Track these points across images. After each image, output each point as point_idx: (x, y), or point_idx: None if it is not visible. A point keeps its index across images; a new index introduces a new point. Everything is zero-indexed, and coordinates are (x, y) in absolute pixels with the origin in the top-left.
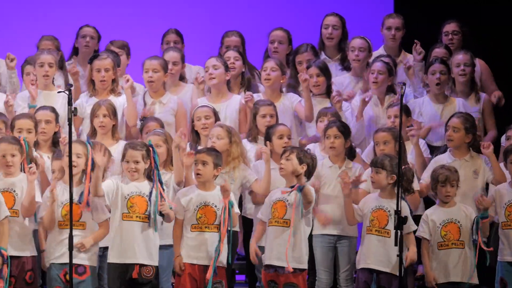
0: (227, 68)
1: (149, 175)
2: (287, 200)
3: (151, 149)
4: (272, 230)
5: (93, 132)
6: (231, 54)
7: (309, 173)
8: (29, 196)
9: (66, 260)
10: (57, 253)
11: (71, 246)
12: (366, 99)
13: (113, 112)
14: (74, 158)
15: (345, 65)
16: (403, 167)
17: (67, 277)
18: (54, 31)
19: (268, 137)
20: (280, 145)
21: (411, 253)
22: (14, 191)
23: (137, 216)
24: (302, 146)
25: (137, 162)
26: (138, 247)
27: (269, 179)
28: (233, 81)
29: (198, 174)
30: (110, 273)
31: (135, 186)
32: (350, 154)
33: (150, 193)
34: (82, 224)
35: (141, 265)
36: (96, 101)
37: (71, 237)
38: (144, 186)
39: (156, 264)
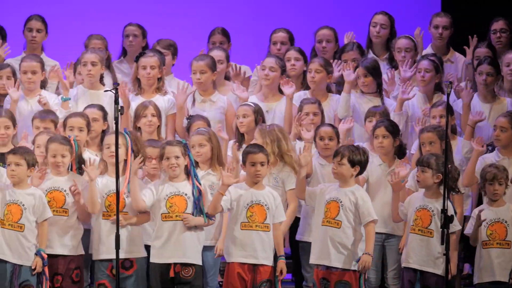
0: (283, 71)
1: (187, 174)
2: (341, 201)
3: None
4: (324, 230)
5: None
6: (292, 55)
7: (361, 171)
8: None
9: (112, 255)
10: (103, 248)
11: (118, 239)
12: (406, 96)
13: (159, 113)
14: (114, 149)
15: (393, 65)
16: (449, 166)
17: (114, 271)
18: (103, 31)
19: (313, 138)
20: (321, 147)
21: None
22: (64, 190)
23: (176, 216)
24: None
25: (177, 157)
26: (178, 247)
27: (301, 188)
28: (295, 81)
29: (258, 175)
30: (151, 273)
31: (173, 186)
32: (400, 152)
33: (192, 192)
34: (125, 214)
35: (181, 265)
36: (142, 100)
37: (117, 231)
38: (182, 185)
39: (197, 263)
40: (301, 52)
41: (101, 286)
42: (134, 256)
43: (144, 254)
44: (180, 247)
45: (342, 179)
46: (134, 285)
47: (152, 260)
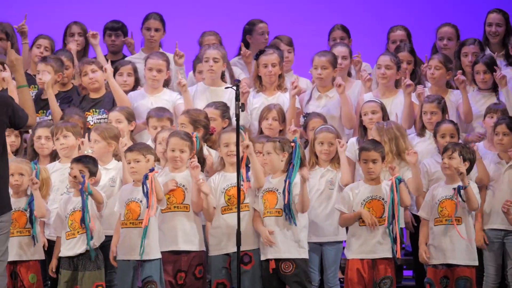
0: (399, 68)
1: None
2: (455, 198)
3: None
4: (441, 228)
5: (260, 133)
6: (404, 57)
7: (470, 169)
8: (195, 191)
9: (228, 250)
10: (219, 242)
11: (239, 235)
12: None
13: (282, 118)
14: (232, 147)
15: (510, 61)
16: None
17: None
18: (217, 28)
19: (434, 135)
20: (442, 144)
21: None
22: (183, 186)
23: (268, 212)
24: (467, 142)
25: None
26: (276, 242)
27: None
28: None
29: (370, 172)
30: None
31: (269, 182)
32: None
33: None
34: (246, 205)
35: (280, 260)
36: (263, 99)
37: (239, 227)
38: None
39: (299, 256)
40: (411, 51)
41: (220, 286)
42: (251, 248)
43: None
44: (278, 242)
45: (451, 174)
46: (251, 281)
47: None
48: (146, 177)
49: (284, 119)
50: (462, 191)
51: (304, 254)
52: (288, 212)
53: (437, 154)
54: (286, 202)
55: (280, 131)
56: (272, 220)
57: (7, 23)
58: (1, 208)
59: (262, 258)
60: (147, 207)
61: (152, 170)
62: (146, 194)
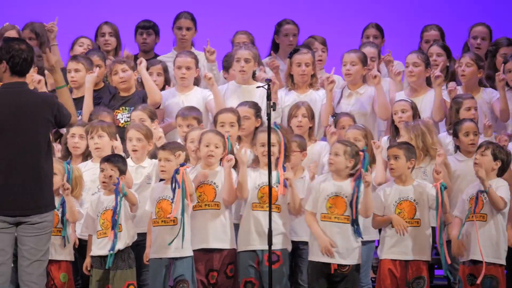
0: (427, 65)
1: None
2: (484, 196)
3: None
4: (471, 225)
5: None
6: (434, 50)
7: (503, 170)
8: (228, 185)
9: (256, 247)
10: (247, 238)
11: (270, 234)
12: None
13: (311, 114)
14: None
15: None
16: None
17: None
18: (250, 27)
19: (455, 133)
20: (466, 142)
21: None
22: (214, 183)
23: (335, 217)
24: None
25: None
26: (337, 248)
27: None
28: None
29: (391, 169)
30: (309, 270)
31: (335, 186)
32: None
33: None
34: (277, 207)
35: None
36: (295, 97)
37: (270, 226)
38: (344, 185)
39: (354, 262)
40: (444, 47)
41: (248, 284)
42: (279, 248)
43: (289, 246)
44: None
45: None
46: (279, 280)
47: (310, 258)
48: (176, 171)
49: (313, 116)
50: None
51: (359, 260)
52: (356, 226)
53: (458, 152)
54: (354, 217)
55: (310, 128)
56: (340, 226)
57: (39, 23)
58: (44, 207)
59: (313, 258)
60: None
61: (183, 165)
62: (173, 190)
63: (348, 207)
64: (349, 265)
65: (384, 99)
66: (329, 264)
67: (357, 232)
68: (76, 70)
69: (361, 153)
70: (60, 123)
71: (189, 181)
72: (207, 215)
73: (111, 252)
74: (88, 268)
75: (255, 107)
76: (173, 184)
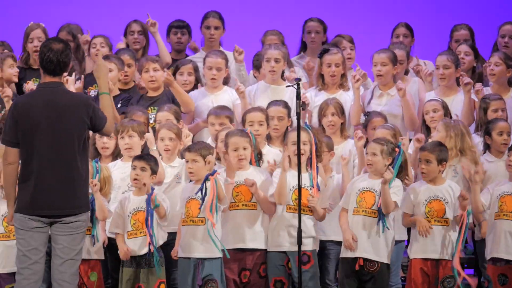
0: (458, 66)
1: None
2: None
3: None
4: (500, 224)
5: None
6: (462, 49)
7: None
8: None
9: (285, 248)
10: (277, 239)
11: (300, 234)
12: None
13: (341, 110)
14: (301, 146)
15: None
16: None
17: (290, 264)
18: (278, 26)
19: (487, 132)
20: (499, 141)
21: None
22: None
23: (363, 211)
24: None
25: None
26: (362, 242)
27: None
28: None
29: (422, 173)
30: (339, 268)
31: (368, 182)
32: None
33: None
34: (310, 210)
35: (366, 259)
36: (325, 97)
37: (299, 226)
38: (377, 181)
39: (383, 261)
40: (472, 46)
41: (278, 283)
42: (309, 249)
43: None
44: (366, 242)
45: None
46: (310, 281)
47: (342, 255)
48: (207, 178)
49: (343, 112)
50: None
51: (389, 259)
52: (381, 217)
53: (488, 153)
54: (379, 206)
55: (342, 123)
56: (368, 219)
57: (75, 25)
58: (78, 208)
59: (344, 255)
60: (202, 207)
61: (214, 172)
62: (202, 198)
63: (377, 201)
64: (377, 263)
65: (410, 112)
66: (356, 259)
67: (383, 223)
68: (109, 70)
69: (397, 149)
70: (95, 126)
71: (220, 189)
72: (243, 215)
73: (151, 251)
74: (126, 251)
75: (287, 107)
76: (202, 192)
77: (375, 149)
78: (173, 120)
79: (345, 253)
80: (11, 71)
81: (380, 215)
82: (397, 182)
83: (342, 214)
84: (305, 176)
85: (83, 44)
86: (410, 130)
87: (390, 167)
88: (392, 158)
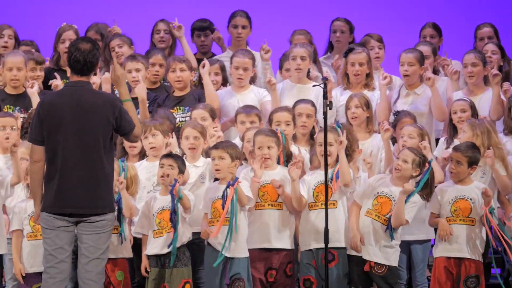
0: (485, 64)
1: None
2: None
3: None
4: None
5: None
6: (489, 48)
7: None
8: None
9: (316, 245)
10: (304, 238)
11: (327, 233)
12: None
13: (365, 104)
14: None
15: None
16: None
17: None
18: (307, 25)
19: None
20: None
21: None
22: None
23: (376, 215)
24: None
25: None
26: (371, 246)
27: None
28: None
29: (451, 172)
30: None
31: (389, 189)
32: None
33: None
34: (333, 203)
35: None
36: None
37: (326, 225)
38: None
39: (392, 264)
40: (499, 46)
41: (307, 282)
42: (335, 246)
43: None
44: (375, 246)
45: None
46: (336, 279)
47: (349, 253)
48: (228, 185)
49: (369, 106)
50: None
51: (396, 262)
52: (390, 226)
53: None
54: (390, 214)
55: (367, 117)
56: (377, 224)
57: (103, 24)
58: (101, 208)
59: (350, 252)
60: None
61: (235, 181)
62: (223, 204)
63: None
64: (385, 266)
65: (439, 101)
66: (365, 260)
67: (390, 234)
68: (137, 70)
69: (427, 164)
70: (121, 128)
71: (241, 196)
72: (269, 214)
73: (172, 250)
74: (147, 269)
75: (314, 105)
76: (223, 198)
77: (407, 157)
78: (208, 118)
79: (352, 252)
80: (31, 74)
81: (389, 224)
82: (415, 198)
83: (353, 208)
84: (321, 173)
85: (111, 33)
86: (439, 121)
87: (413, 180)
88: (420, 170)
